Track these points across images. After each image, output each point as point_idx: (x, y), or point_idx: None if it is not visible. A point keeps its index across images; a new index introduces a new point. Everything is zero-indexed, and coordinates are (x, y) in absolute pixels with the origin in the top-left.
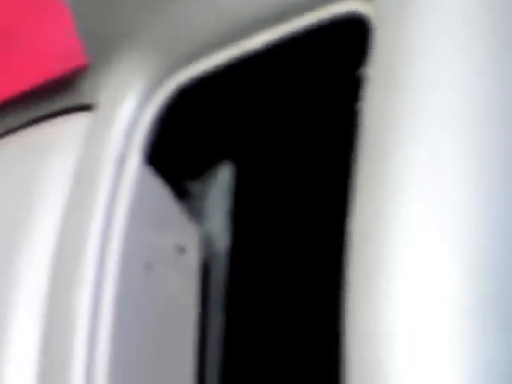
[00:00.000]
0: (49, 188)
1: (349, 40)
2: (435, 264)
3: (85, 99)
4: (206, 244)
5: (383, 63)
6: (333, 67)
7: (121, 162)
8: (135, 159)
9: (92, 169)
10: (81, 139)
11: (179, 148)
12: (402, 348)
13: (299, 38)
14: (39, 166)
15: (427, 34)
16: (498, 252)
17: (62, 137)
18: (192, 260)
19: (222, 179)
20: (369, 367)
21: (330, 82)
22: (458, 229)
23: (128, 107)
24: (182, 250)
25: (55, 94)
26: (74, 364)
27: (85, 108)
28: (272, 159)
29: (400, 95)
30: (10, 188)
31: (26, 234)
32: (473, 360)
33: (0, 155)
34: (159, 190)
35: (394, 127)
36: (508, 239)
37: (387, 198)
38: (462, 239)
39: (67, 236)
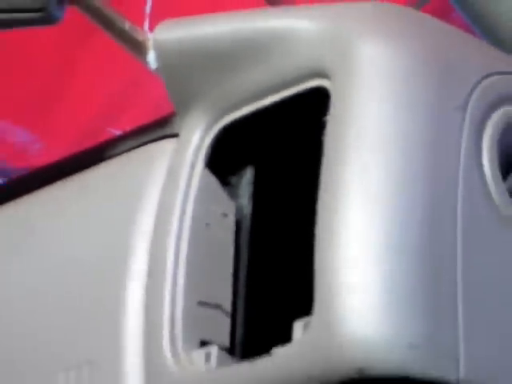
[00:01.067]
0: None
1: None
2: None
3: (173, 130)
4: (238, 211)
5: (336, 120)
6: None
7: (192, 166)
8: (201, 164)
9: (176, 170)
10: (172, 154)
11: (225, 159)
12: None
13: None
14: (145, 171)
15: (369, 102)
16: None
17: (160, 152)
18: (231, 221)
19: (248, 176)
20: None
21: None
22: None
23: (197, 135)
24: (225, 215)
25: (156, 127)
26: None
27: (174, 135)
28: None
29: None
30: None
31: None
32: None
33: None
34: (213, 180)
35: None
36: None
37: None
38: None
39: (163, 210)
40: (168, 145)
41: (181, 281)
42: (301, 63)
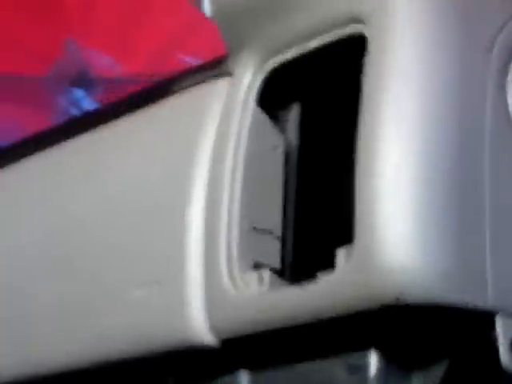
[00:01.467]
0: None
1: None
2: None
3: (227, 69)
4: (287, 144)
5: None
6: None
7: (245, 104)
8: (252, 103)
9: (231, 108)
10: (227, 92)
11: (274, 96)
12: None
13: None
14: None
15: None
16: None
17: (216, 90)
18: (280, 153)
19: (296, 111)
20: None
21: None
22: None
23: (248, 75)
24: (275, 148)
25: (212, 67)
26: None
27: (228, 74)
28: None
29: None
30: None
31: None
32: None
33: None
34: (263, 117)
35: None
36: None
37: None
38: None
39: (219, 144)
40: (223, 83)
41: (236, 208)
42: (339, 9)
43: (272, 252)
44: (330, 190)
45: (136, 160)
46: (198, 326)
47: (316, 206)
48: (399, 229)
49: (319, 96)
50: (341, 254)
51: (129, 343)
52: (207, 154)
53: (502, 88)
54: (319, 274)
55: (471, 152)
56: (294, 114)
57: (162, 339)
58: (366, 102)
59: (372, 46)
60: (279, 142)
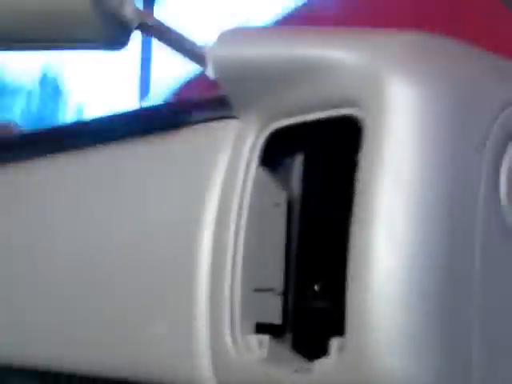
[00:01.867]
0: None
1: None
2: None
3: (233, 114)
4: (289, 198)
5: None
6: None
7: (248, 164)
8: (255, 163)
9: (236, 167)
10: (232, 142)
11: (276, 153)
12: None
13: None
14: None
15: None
16: None
17: (224, 135)
18: (282, 210)
19: (298, 166)
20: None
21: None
22: None
23: (251, 135)
24: (277, 205)
25: (219, 105)
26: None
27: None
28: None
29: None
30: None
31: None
32: None
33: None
34: (266, 176)
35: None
36: None
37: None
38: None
39: (224, 203)
40: (230, 128)
41: (239, 271)
42: (338, 91)
43: (273, 309)
44: (332, 242)
45: (145, 191)
46: (205, 377)
47: (318, 258)
48: (390, 334)
49: (321, 150)
50: (334, 345)
51: (132, 368)
52: (213, 215)
53: (494, 188)
54: (315, 362)
55: (461, 261)
56: (296, 169)
57: (166, 375)
58: (358, 201)
59: (367, 137)
60: (281, 199)
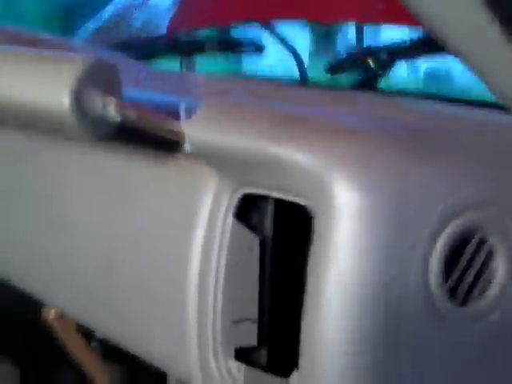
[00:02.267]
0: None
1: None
2: None
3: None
4: (261, 244)
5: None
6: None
7: (225, 219)
8: (231, 218)
9: (214, 221)
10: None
11: (250, 206)
12: None
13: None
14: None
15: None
16: None
17: (204, 192)
18: (256, 254)
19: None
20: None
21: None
22: None
23: (226, 195)
24: (251, 250)
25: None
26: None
27: None
28: None
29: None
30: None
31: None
32: None
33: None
34: (241, 227)
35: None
36: None
37: None
38: None
39: (205, 253)
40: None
41: (219, 307)
42: (295, 185)
43: (250, 334)
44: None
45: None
46: None
47: (288, 290)
48: None
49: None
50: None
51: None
52: (197, 260)
53: (424, 269)
54: None
55: (393, 351)
56: (269, 212)
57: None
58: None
59: (316, 237)
60: (254, 244)
